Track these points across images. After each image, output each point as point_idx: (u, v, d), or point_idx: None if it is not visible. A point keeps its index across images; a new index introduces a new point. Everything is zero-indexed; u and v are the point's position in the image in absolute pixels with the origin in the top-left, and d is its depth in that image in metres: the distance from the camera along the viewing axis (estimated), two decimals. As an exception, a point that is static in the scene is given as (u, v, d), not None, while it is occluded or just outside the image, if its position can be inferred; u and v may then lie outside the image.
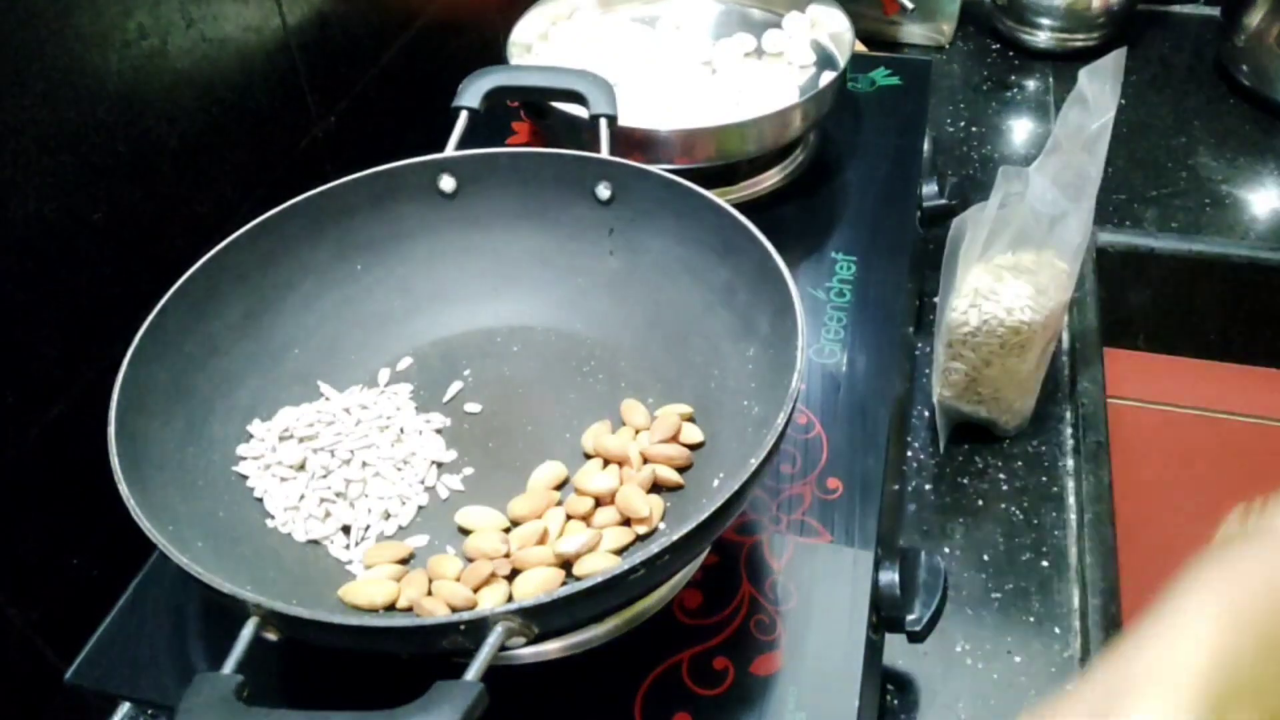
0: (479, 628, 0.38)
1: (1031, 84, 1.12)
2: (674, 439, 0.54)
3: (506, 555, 0.49)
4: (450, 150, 0.62)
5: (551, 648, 0.50)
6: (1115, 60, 0.61)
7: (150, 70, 0.57)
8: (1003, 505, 0.69)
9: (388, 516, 0.54)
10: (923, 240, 0.81)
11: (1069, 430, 0.74)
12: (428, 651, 0.40)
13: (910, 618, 0.53)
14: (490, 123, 0.81)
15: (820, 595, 0.51)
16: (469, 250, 0.63)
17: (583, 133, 0.65)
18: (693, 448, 0.54)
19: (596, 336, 0.61)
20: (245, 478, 0.54)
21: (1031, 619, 0.63)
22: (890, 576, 0.53)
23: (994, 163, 1.01)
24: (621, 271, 0.61)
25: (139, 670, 0.51)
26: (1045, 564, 0.66)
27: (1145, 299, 0.98)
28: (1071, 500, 0.70)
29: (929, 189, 0.79)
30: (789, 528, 0.55)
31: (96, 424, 0.47)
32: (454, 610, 0.46)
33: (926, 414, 0.74)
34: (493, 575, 0.48)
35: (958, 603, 0.64)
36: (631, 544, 0.50)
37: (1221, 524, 0.45)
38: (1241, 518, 0.44)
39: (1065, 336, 0.82)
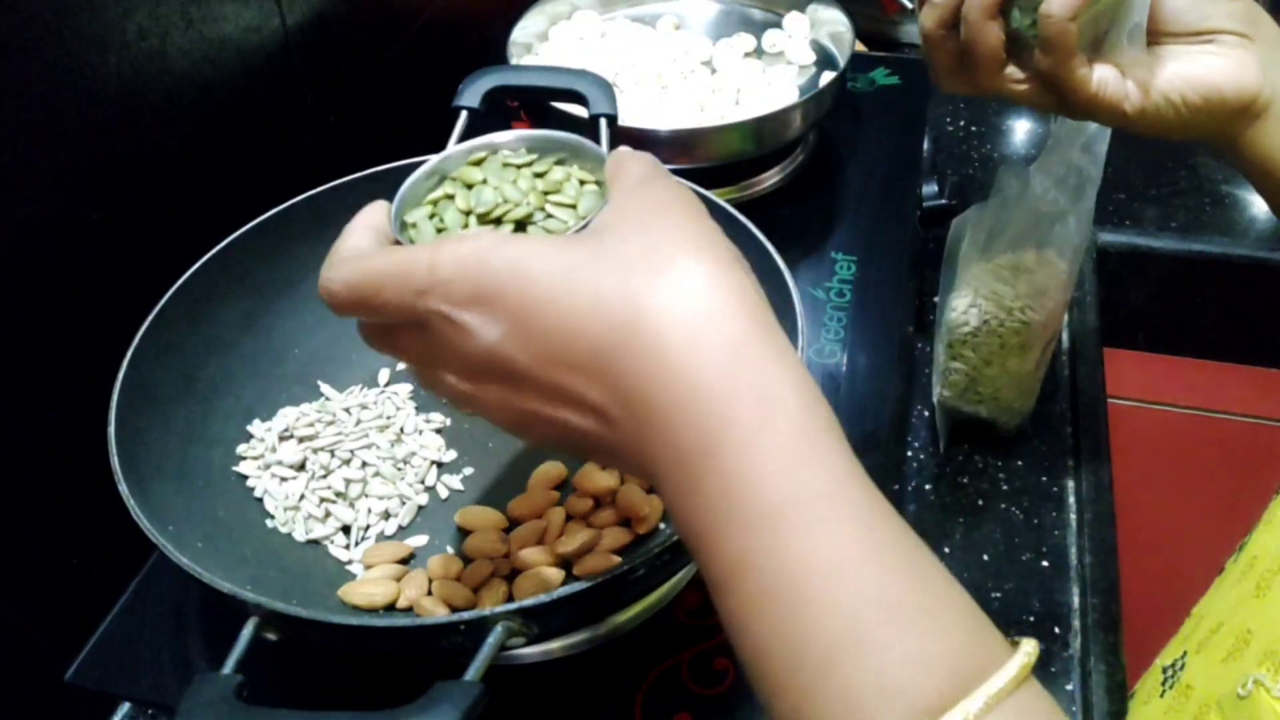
0: (479, 628, 0.38)
1: (1031, 84, 1.12)
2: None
3: (506, 555, 0.49)
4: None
5: (553, 647, 0.50)
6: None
7: (150, 70, 0.57)
8: (1003, 505, 0.69)
9: (388, 516, 0.54)
10: (923, 240, 0.81)
11: (1069, 430, 0.74)
12: (428, 651, 0.40)
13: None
14: (490, 123, 0.80)
15: (820, 595, 0.51)
16: (469, 250, 0.63)
17: (583, 133, 0.65)
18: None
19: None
20: (245, 478, 0.54)
21: (1031, 619, 0.63)
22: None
23: (994, 163, 1.00)
24: (621, 271, 0.61)
25: (139, 670, 0.51)
26: (1045, 564, 0.66)
27: (1145, 299, 0.98)
28: (1071, 500, 0.70)
29: (929, 189, 0.79)
30: (789, 528, 0.54)
31: (96, 424, 0.47)
32: (454, 610, 0.46)
33: (926, 414, 0.74)
34: (493, 575, 0.48)
35: (958, 603, 0.64)
36: (631, 544, 0.50)
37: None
38: None
39: (1065, 336, 0.82)
